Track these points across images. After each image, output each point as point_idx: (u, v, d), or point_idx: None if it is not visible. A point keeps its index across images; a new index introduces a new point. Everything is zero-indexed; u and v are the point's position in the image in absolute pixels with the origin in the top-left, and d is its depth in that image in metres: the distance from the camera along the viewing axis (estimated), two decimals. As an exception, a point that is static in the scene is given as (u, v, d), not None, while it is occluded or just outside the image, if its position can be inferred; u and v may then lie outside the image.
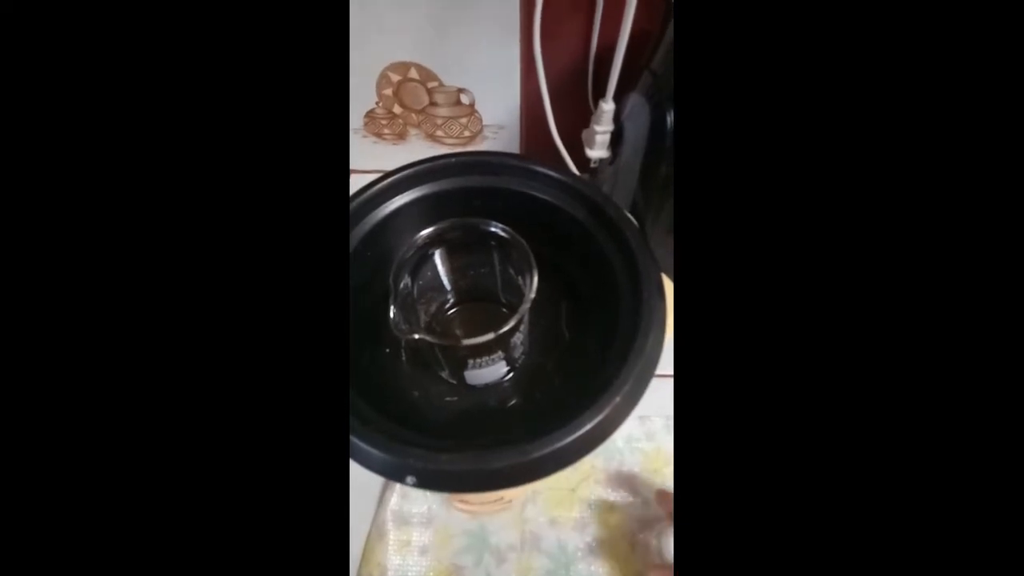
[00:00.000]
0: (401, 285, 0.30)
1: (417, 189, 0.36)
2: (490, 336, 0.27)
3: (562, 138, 0.46)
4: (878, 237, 0.14)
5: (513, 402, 0.36)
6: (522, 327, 0.32)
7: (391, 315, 0.28)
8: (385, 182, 0.35)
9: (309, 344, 0.16)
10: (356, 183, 0.56)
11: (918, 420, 0.14)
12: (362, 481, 0.41)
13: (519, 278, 0.31)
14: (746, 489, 0.15)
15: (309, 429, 0.16)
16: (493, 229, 0.29)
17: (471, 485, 0.24)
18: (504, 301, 0.37)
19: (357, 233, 0.34)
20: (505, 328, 0.27)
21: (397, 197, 0.36)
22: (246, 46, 0.15)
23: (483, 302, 0.39)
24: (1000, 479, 0.13)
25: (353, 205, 0.34)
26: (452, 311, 0.39)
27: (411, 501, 0.41)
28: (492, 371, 0.33)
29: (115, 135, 0.15)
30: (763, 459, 0.14)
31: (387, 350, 0.39)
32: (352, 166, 0.57)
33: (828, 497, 0.14)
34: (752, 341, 0.15)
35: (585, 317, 0.38)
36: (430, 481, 0.24)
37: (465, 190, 0.37)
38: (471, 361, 0.31)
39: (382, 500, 0.42)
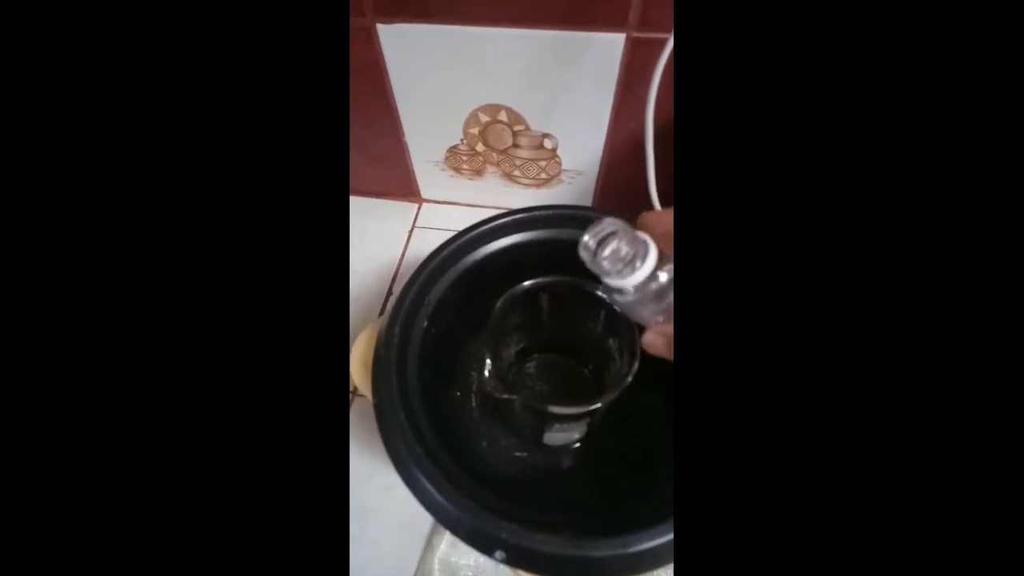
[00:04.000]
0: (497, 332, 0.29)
1: (508, 238, 0.36)
2: (586, 408, 0.27)
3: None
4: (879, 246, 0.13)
5: (585, 465, 0.35)
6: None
7: (487, 370, 0.28)
8: (476, 231, 0.35)
9: (308, 346, 0.15)
10: (427, 213, 0.57)
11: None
12: (410, 521, 0.40)
13: (613, 345, 0.31)
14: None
15: (307, 435, 0.15)
16: (601, 295, 0.29)
17: (567, 572, 0.22)
18: (589, 364, 0.36)
19: (448, 278, 0.34)
20: (601, 403, 0.27)
21: (487, 245, 0.36)
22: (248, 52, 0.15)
23: (559, 353, 0.38)
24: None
25: (444, 253, 0.34)
26: (528, 359, 0.38)
27: (460, 552, 0.40)
28: (571, 435, 0.32)
29: (120, 132, 0.14)
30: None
31: (457, 393, 0.38)
32: (425, 196, 0.58)
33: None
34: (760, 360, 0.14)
35: (656, 377, 0.37)
36: (522, 560, 0.23)
37: (556, 242, 0.36)
38: (557, 425, 0.30)
39: (430, 544, 0.40)
